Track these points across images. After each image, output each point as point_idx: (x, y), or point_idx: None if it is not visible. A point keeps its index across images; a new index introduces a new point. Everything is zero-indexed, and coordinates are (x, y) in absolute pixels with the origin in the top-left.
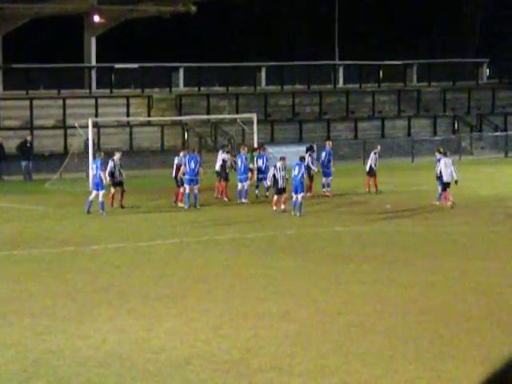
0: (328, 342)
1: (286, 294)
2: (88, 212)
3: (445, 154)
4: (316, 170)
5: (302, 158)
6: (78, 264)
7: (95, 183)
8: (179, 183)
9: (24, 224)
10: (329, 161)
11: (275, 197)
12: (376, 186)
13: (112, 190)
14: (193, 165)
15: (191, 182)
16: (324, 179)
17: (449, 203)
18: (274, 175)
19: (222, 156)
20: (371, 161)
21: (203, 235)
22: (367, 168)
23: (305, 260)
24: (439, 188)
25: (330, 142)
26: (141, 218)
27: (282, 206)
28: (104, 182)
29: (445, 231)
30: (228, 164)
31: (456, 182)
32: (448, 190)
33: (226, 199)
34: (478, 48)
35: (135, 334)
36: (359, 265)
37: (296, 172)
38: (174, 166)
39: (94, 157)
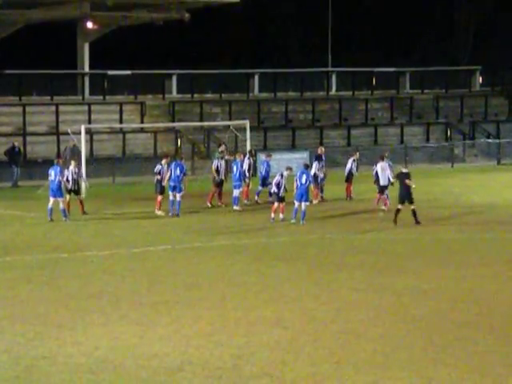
0: (320, 348)
1: (278, 300)
2: (51, 220)
3: (382, 158)
4: (323, 176)
5: (307, 166)
6: (70, 270)
7: (52, 189)
8: (158, 190)
9: (16, 230)
10: (322, 166)
11: (275, 204)
12: (350, 193)
13: (67, 196)
14: (178, 172)
15: (174, 189)
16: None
17: (383, 207)
18: (278, 183)
19: (216, 162)
20: (350, 167)
21: (196, 242)
22: (345, 174)
23: (297, 267)
24: (378, 195)
25: (323, 148)
26: (133, 225)
27: (281, 216)
28: (63, 188)
29: (437, 238)
30: (222, 170)
31: (392, 184)
32: (386, 193)
33: (221, 204)
34: (471, 56)
35: (128, 340)
36: (352, 272)
37: (303, 180)
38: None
39: (53, 163)
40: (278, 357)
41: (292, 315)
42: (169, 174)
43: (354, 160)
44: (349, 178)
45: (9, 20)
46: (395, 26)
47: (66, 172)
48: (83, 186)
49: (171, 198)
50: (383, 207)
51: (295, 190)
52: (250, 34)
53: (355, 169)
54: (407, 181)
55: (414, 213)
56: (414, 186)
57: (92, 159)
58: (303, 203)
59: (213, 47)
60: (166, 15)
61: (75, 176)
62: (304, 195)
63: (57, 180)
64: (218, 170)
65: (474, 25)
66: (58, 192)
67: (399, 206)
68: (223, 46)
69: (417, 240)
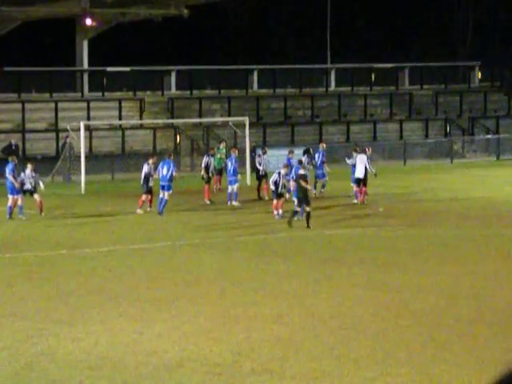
0: (320, 345)
1: (277, 297)
2: (10, 218)
3: (356, 151)
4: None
5: (301, 162)
6: (69, 267)
7: (9, 188)
8: (144, 190)
9: (15, 227)
10: (322, 162)
11: (274, 201)
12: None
13: (21, 195)
14: (165, 171)
15: (162, 188)
16: (317, 180)
17: (359, 199)
18: (276, 181)
19: (206, 159)
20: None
21: (195, 238)
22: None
23: (297, 263)
24: (354, 186)
25: (324, 144)
26: (133, 222)
27: (280, 212)
28: (15, 186)
29: (437, 234)
30: (212, 168)
31: (375, 175)
32: (362, 186)
33: (207, 201)
34: (470, 51)
35: (127, 336)
36: (351, 268)
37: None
38: (142, 174)
39: (8, 161)
40: (277, 353)
41: (292, 311)
42: (157, 173)
43: (367, 157)
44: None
45: (8, 17)
46: (394, 21)
47: (22, 174)
48: (40, 187)
49: (160, 195)
50: (359, 199)
51: (294, 188)
52: (249, 31)
53: (368, 166)
54: (303, 183)
55: (308, 215)
56: (309, 188)
57: (91, 156)
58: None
59: (212, 43)
60: (165, 11)
61: (31, 180)
62: None
63: (10, 178)
64: (207, 167)
65: (473, 20)
66: (13, 190)
67: (296, 208)
68: (222, 42)
69: (416, 236)
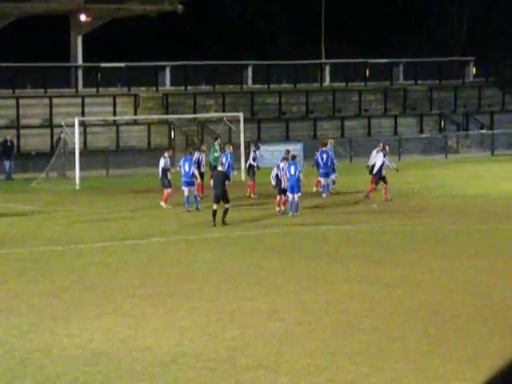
0: (315, 340)
1: (272, 292)
2: None
3: (385, 149)
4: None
5: (294, 157)
6: (64, 263)
7: None
8: (166, 184)
9: (10, 223)
10: (328, 159)
11: (278, 197)
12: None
13: None
14: (187, 167)
15: (188, 184)
16: (323, 179)
17: (384, 197)
18: (276, 175)
19: (197, 155)
20: (382, 161)
21: (190, 234)
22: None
23: (292, 259)
24: (322, 179)
25: (332, 141)
26: (127, 217)
27: (283, 208)
28: None
29: (432, 230)
30: (203, 163)
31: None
32: (384, 183)
33: (199, 197)
34: (465, 46)
35: (122, 332)
36: (346, 263)
37: (292, 171)
38: (160, 169)
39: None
40: (272, 348)
41: (287, 307)
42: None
43: (384, 155)
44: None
45: (1, 13)
46: (389, 16)
47: None
48: None
49: (186, 193)
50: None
51: (285, 182)
52: (243, 26)
53: (388, 162)
54: (227, 181)
55: (225, 212)
56: (227, 183)
57: (86, 151)
58: (295, 194)
59: (206, 39)
60: (159, 7)
61: None
62: (295, 186)
63: None
64: (199, 163)
65: (467, 16)
66: None
67: (214, 207)
68: (216, 37)
69: (411, 231)
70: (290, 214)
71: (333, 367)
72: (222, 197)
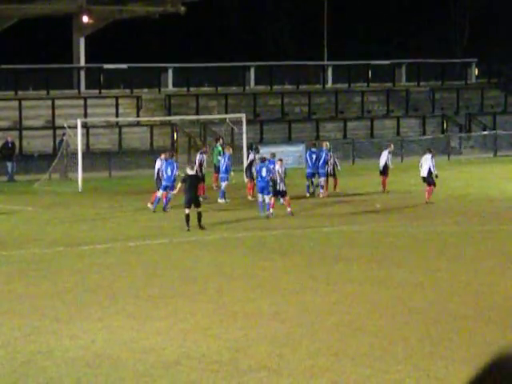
0: (317, 341)
1: (275, 294)
2: None
3: (429, 151)
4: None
5: (264, 159)
6: (67, 264)
7: None
8: (160, 186)
9: (13, 224)
10: (317, 160)
11: (272, 199)
12: (384, 185)
13: None
14: (169, 171)
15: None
16: (322, 179)
17: (427, 199)
18: (272, 179)
19: (199, 157)
20: (386, 159)
21: (192, 235)
22: (381, 167)
23: (294, 260)
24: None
25: (327, 143)
26: (130, 219)
27: (288, 209)
28: None
29: (434, 231)
30: (205, 165)
31: (436, 176)
32: (427, 185)
33: (201, 198)
34: (467, 48)
35: (125, 334)
36: (348, 265)
37: (264, 173)
38: (155, 170)
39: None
40: (275, 350)
41: (289, 308)
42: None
43: (389, 152)
44: (384, 170)
45: (4, 14)
46: (391, 18)
47: None
48: None
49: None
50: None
51: (256, 183)
52: (245, 27)
53: (390, 161)
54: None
55: (199, 216)
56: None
57: (88, 153)
58: (266, 196)
59: (208, 40)
60: (162, 8)
61: None
62: (265, 188)
63: None
64: (201, 165)
65: (470, 17)
66: None
67: (186, 211)
68: (219, 39)
69: (414, 233)
70: (262, 214)
71: (335, 369)
72: (193, 201)
